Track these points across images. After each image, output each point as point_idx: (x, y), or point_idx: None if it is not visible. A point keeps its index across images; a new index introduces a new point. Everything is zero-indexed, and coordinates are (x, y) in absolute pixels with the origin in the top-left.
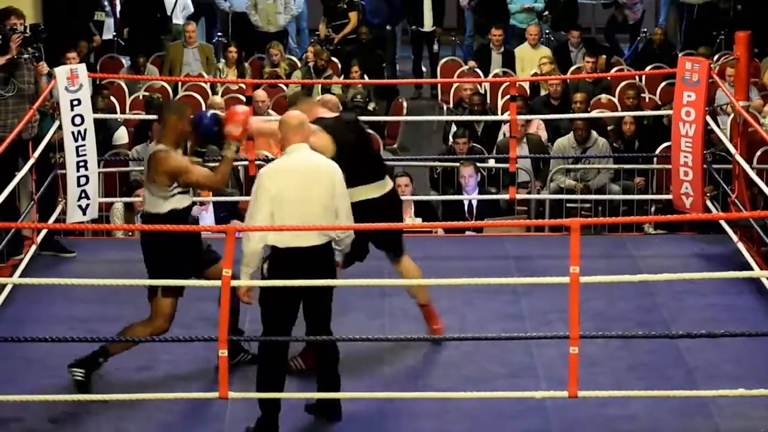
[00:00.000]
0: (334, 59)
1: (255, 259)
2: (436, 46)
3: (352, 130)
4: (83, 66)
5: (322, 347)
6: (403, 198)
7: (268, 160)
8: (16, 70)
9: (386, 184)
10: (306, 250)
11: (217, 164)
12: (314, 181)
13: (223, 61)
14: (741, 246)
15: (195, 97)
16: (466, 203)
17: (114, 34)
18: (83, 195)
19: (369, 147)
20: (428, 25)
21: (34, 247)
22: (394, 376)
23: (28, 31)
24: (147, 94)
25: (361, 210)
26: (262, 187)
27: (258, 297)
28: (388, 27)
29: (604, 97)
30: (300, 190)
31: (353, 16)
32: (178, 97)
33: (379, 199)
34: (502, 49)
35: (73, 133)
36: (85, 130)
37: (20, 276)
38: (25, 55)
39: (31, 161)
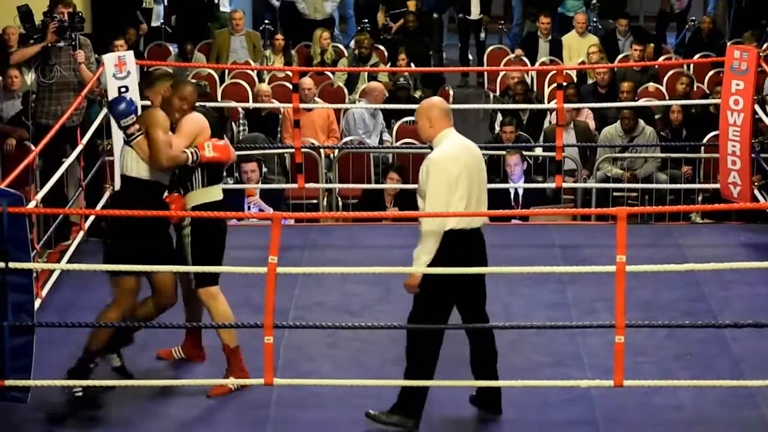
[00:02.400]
0: (381, 47)
1: (435, 243)
2: (483, 34)
3: (222, 123)
4: (131, 53)
5: (476, 336)
6: None
7: (314, 148)
8: (59, 58)
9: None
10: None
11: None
12: (479, 162)
13: (269, 48)
14: None
15: (242, 85)
16: (512, 191)
17: (162, 21)
18: None
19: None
20: (475, 13)
21: (81, 234)
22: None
23: (65, 19)
24: (194, 81)
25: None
26: (444, 171)
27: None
28: (435, 15)
29: (651, 85)
30: (475, 173)
31: (411, 4)
32: (224, 84)
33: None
34: (550, 37)
35: None
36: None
37: (68, 262)
38: (63, 43)
39: (79, 148)
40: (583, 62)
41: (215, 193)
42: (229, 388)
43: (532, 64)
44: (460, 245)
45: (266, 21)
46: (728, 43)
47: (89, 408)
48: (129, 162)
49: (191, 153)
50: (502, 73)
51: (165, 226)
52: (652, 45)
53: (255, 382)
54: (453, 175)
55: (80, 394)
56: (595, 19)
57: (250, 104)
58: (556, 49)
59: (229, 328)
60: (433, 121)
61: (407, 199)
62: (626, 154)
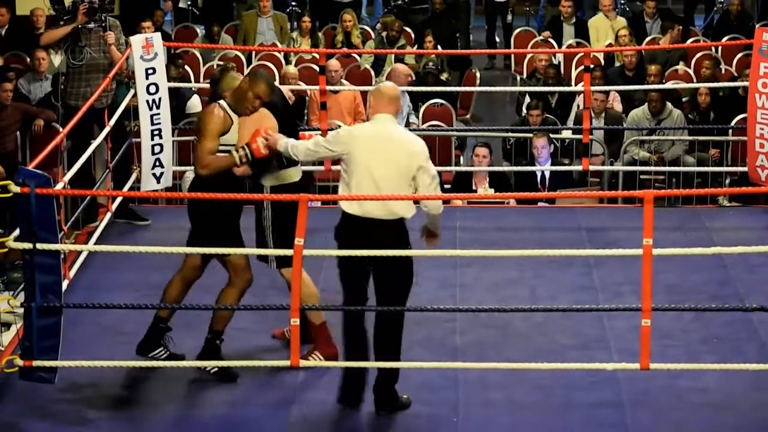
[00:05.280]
0: (407, 29)
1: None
2: (509, 17)
3: (287, 107)
4: (158, 35)
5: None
6: (480, 168)
7: None
8: (88, 40)
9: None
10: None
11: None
12: (391, 152)
13: (296, 30)
14: None
15: (269, 67)
16: (539, 174)
17: (189, 3)
18: (157, 163)
19: (295, 124)
20: None
21: (109, 215)
22: (465, 346)
23: (95, 0)
24: (221, 63)
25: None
26: (330, 140)
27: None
28: None
29: (680, 68)
30: (377, 162)
31: None
32: (251, 66)
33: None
34: (573, 20)
35: (147, 101)
36: (160, 99)
37: (95, 243)
38: (93, 25)
39: (107, 129)
40: (610, 44)
41: (291, 174)
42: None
43: (559, 47)
44: (352, 229)
45: (293, 3)
46: (757, 26)
47: (221, 380)
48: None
49: (242, 155)
50: (528, 56)
51: (237, 208)
52: (680, 27)
53: (281, 364)
54: (335, 151)
55: (215, 370)
56: (623, 1)
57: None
58: (582, 32)
59: (257, 309)
60: (372, 104)
61: None
62: (653, 137)
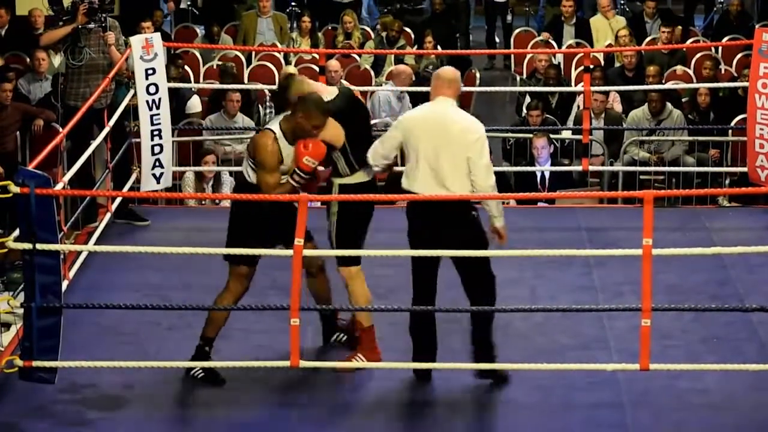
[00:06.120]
0: (407, 29)
1: None
2: (509, 17)
3: (355, 108)
4: (158, 35)
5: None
6: None
7: None
8: (88, 40)
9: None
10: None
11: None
12: (442, 131)
13: (296, 30)
14: None
15: (269, 67)
16: (538, 174)
17: (189, 3)
18: (157, 163)
19: (369, 126)
20: None
21: (108, 215)
22: (464, 346)
23: (95, 0)
24: (221, 63)
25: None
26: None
27: None
28: None
29: (679, 68)
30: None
31: None
32: (251, 67)
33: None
34: (574, 21)
35: (147, 101)
36: (160, 99)
37: (95, 243)
38: (93, 25)
39: (106, 130)
40: (609, 45)
41: (360, 175)
42: (355, 367)
43: (559, 47)
44: (417, 212)
45: (293, 3)
46: (756, 26)
47: (203, 385)
48: (249, 171)
49: (297, 179)
50: (528, 56)
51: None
52: (679, 27)
53: (281, 365)
54: (398, 132)
55: (201, 374)
56: (622, 2)
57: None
58: (582, 32)
59: (256, 310)
60: (434, 89)
61: None
62: (653, 137)
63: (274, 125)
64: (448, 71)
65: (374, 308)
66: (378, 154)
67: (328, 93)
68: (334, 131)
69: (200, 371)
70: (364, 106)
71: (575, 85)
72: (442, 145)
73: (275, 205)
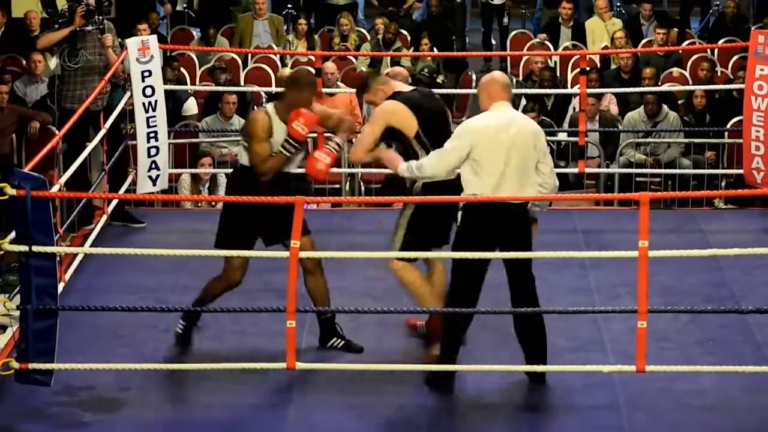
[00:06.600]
0: (404, 32)
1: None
2: (506, 19)
3: (432, 101)
4: (154, 37)
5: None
6: None
7: None
8: (84, 43)
9: None
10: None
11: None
12: (520, 138)
13: (292, 33)
14: None
15: (265, 69)
16: None
17: (185, 5)
18: (153, 166)
19: (447, 120)
20: None
21: (104, 217)
22: (462, 348)
23: (92, 3)
24: (217, 65)
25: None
26: (462, 134)
27: None
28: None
29: (675, 70)
30: (504, 147)
31: None
32: (247, 69)
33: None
34: (572, 23)
35: (143, 104)
36: (156, 102)
37: (91, 246)
38: (89, 27)
39: (102, 132)
40: (606, 47)
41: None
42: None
43: (555, 49)
44: (483, 217)
45: (289, 5)
46: (752, 28)
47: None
48: (242, 153)
49: (288, 147)
50: (525, 58)
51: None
52: (675, 30)
53: (277, 367)
54: (466, 142)
55: (181, 331)
56: (618, 4)
57: (273, 89)
58: (579, 35)
59: (251, 312)
60: (487, 94)
61: None
62: (649, 140)
63: (269, 105)
64: (502, 76)
65: (376, 310)
66: (444, 168)
67: (406, 90)
68: (406, 120)
69: (181, 327)
70: (444, 106)
71: (571, 87)
72: (519, 149)
73: (269, 190)
